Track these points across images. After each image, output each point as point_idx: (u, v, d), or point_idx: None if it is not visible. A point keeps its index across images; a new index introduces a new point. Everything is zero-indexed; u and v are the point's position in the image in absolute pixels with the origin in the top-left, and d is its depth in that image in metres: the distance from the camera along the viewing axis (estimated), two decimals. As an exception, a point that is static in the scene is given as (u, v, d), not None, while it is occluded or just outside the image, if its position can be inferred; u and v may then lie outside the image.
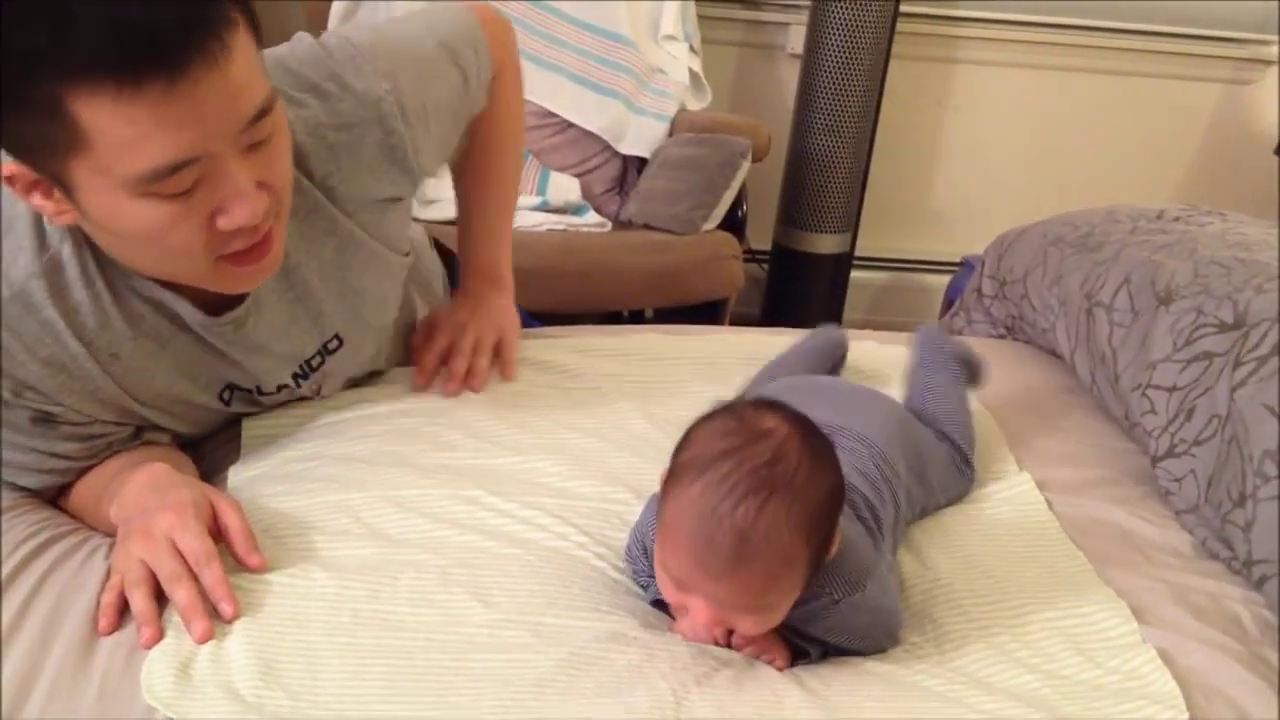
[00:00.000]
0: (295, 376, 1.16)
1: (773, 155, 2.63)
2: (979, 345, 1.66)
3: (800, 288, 2.88)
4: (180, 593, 0.90)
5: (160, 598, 0.91)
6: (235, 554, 0.95)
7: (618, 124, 2.57)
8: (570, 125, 2.58)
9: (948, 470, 1.22)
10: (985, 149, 3.16)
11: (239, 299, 1.04)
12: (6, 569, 0.95)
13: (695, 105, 2.67)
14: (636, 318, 2.48)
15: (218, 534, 0.95)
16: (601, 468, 1.17)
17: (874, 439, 1.11)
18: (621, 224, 2.48)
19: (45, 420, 1.02)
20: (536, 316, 1.49)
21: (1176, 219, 1.65)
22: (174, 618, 0.90)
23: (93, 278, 0.97)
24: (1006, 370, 1.55)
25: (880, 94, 2.73)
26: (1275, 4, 2.96)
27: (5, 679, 0.85)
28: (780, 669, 0.94)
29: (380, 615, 0.93)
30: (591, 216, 2.49)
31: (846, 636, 0.98)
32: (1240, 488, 1.14)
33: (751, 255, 2.77)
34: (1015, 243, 1.73)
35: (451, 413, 1.23)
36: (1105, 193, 2.48)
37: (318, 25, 2.51)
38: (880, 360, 1.48)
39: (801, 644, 0.97)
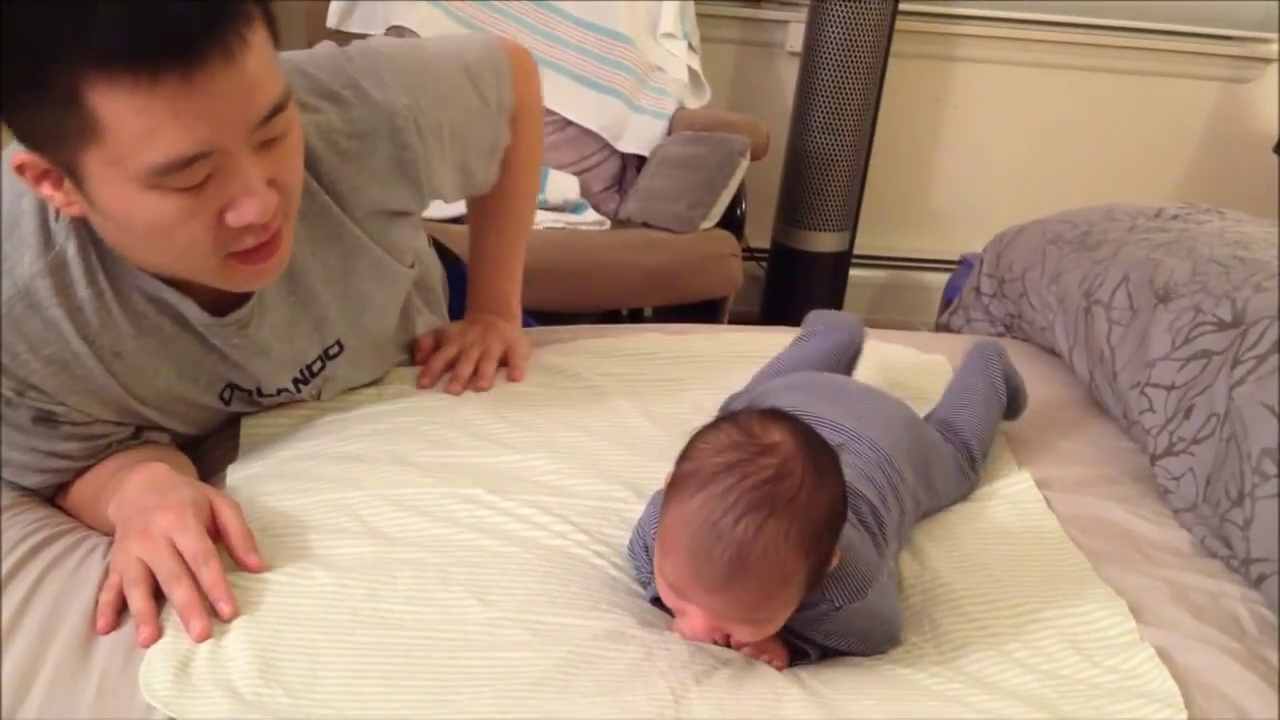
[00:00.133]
0: (295, 381, 1.16)
1: (772, 153, 2.63)
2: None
3: (799, 286, 2.88)
4: (179, 591, 0.90)
5: (159, 597, 0.91)
6: (233, 554, 0.95)
7: (617, 122, 2.57)
8: (569, 123, 2.58)
9: (953, 474, 1.21)
10: (984, 147, 3.16)
11: (243, 300, 1.04)
12: (5, 568, 0.95)
13: (694, 103, 2.67)
14: (635, 316, 2.48)
15: (216, 534, 0.95)
16: (600, 466, 1.17)
17: (881, 443, 1.11)
18: (620, 222, 2.48)
19: (46, 420, 1.02)
20: (535, 315, 1.49)
21: (1175, 217, 1.65)
22: (172, 617, 0.90)
23: (96, 275, 0.97)
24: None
25: (879, 92, 2.73)
26: (1275, 2, 2.96)
27: (4, 678, 0.85)
28: (779, 669, 0.94)
29: (379, 613, 0.93)
30: (590, 215, 2.49)
31: (846, 640, 0.98)
32: (1239, 486, 1.14)
33: (750, 253, 2.77)
34: (1014, 241, 1.73)
35: (450, 411, 1.23)
36: (1104, 191, 2.48)
37: (316, 25, 2.51)
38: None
39: (800, 644, 0.97)
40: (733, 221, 2.45)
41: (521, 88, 1.29)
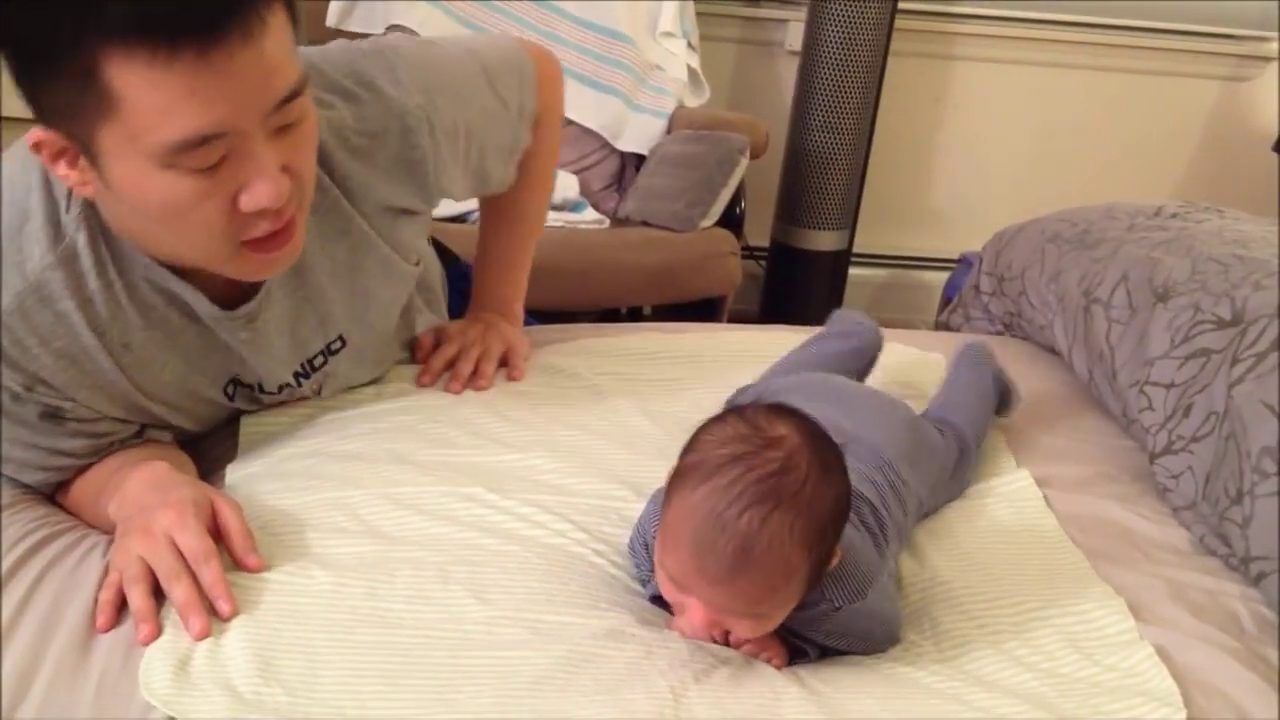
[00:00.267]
0: (297, 375, 1.16)
1: (771, 152, 2.63)
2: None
3: (798, 285, 2.88)
4: (178, 590, 0.90)
5: (159, 595, 0.91)
6: (234, 554, 0.95)
7: (616, 121, 2.57)
8: (569, 122, 2.58)
9: (951, 471, 1.22)
10: (983, 146, 3.16)
11: (251, 294, 1.05)
12: (5, 566, 0.95)
13: (693, 102, 2.67)
14: (634, 315, 2.48)
15: (217, 534, 0.95)
16: (600, 465, 1.17)
17: (883, 446, 1.11)
18: (619, 221, 2.48)
19: (53, 416, 1.01)
20: (534, 314, 1.49)
21: (1174, 216, 1.65)
22: (172, 615, 0.90)
23: (106, 267, 0.98)
24: (1004, 367, 1.55)
25: (878, 91, 2.72)
26: (1274, 1, 2.96)
27: (4, 676, 0.85)
28: (778, 668, 0.94)
29: (378, 612, 0.93)
30: (589, 213, 2.48)
31: (846, 640, 0.98)
32: (1238, 484, 1.14)
33: (749, 252, 2.77)
34: (1013, 239, 1.73)
35: (450, 410, 1.23)
36: (1103, 189, 2.48)
37: (315, 24, 2.50)
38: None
39: (799, 643, 0.97)
40: (732, 220, 2.45)
41: (545, 93, 1.29)
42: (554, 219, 2.39)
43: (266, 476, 1.10)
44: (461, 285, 1.50)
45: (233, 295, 1.04)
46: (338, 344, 1.17)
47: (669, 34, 2.62)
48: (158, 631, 0.88)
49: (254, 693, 0.83)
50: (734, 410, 0.94)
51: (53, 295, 0.96)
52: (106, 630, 0.90)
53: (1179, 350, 1.30)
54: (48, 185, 0.96)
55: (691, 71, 2.65)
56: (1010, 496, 1.24)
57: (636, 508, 1.07)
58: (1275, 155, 2.90)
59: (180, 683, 0.84)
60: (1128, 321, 1.40)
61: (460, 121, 1.15)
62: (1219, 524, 1.17)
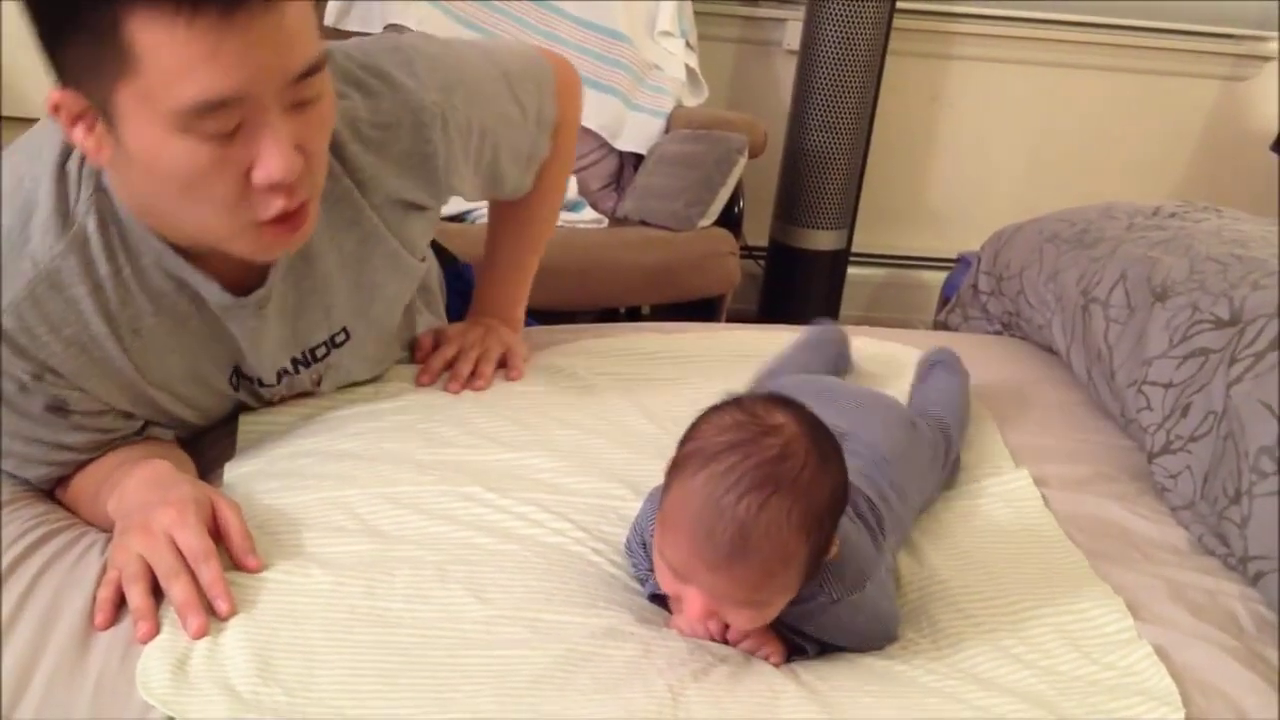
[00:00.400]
0: (295, 362, 1.16)
1: (769, 151, 2.63)
2: (975, 341, 1.67)
3: (797, 284, 2.88)
4: (177, 588, 0.90)
5: (158, 593, 0.91)
6: (233, 555, 0.95)
7: (615, 120, 2.57)
8: (567, 121, 2.58)
9: (942, 464, 1.22)
10: (982, 145, 3.16)
11: (259, 282, 1.05)
12: (4, 564, 0.95)
13: (692, 101, 2.67)
14: (633, 314, 2.48)
15: (216, 534, 0.95)
16: (598, 464, 1.17)
17: (879, 443, 1.11)
18: (618, 220, 2.48)
19: (58, 409, 1.01)
20: (532, 313, 1.49)
21: (1172, 215, 1.65)
22: (170, 614, 0.90)
23: (116, 252, 0.98)
24: (1003, 366, 1.55)
25: (877, 90, 2.72)
26: (1274, 1, 2.96)
27: (4, 674, 0.85)
28: (776, 665, 0.94)
29: (376, 611, 0.92)
30: (588, 213, 2.49)
31: (844, 636, 0.98)
32: (1236, 484, 1.14)
33: (748, 252, 2.77)
34: (1012, 239, 1.73)
35: (448, 409, 1.23)
36: (1102, 189, 2.48)
37: (313, 22, 2.49)
38: (887, 358, 1.49)
39: (798, 641, 0.97)
40: (730, 219, 2.45)
41: (564, 102, 1.30)
42: (552, 218, 2.40)
43: (264, 475, 1.10)
44: (459, 286, 1.50)
45: (242, 283, 1.04)
46: (341, 336, 1.17)
47: (667, 33, 2.62)
48: (156, 629, 0.88)
49: (252, 692, 0.83)
50: (732, 400, 0.94)
51: (63, 282, 0.96)
52: (105, 628, 0.90)
53: (1177, 350, 1.30)
54: (57, 175, 0.96)
55: (690, 71, 2.65)
56: (1008, 496, 1.24)
57: (635, 506, 1.07)
58: (1274, 155, 2.90)
59: (178, 682, 0.84)
60: (1126, 321, 1.40)
61: (475, 121, 1.16)
62: (1217, 523, 1.17)
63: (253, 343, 1.10)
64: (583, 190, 2.56)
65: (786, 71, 2.89)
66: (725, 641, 0.95)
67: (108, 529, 1.00)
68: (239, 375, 1.14)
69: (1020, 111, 3.12)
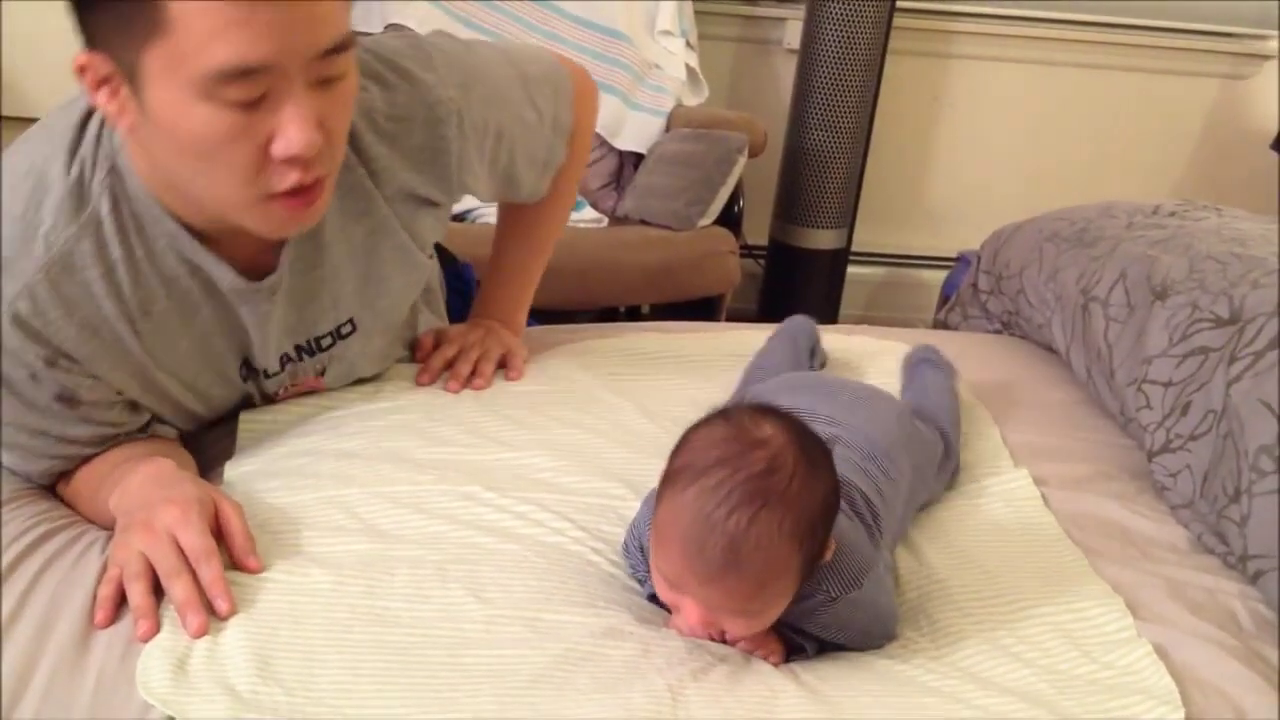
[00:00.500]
0: (299, 349, 1.16)
1: (769, 151, 2.63)
2: (975, 340, 1.67)
3: (797, 283, 2.88)
4: (178, 587, 0.90)
5: (158, 592, 0.91)
6: (234, 556, 0.95)
7: (614, 120, 2.57)
8: (567, 121, 2.58)
9: (939, 461, 1.22)
10: (982, 144, 3.16)
11: (271, 268, 1.05)
12: (4, 562, 0.95)
13: (692, 101, 2.67)
14: (633, 313, 2.48)
15: (218, 534, 0.95)
16: (598, 463, 1.17)
17: (875, 437, 1.11)
18: (618, 220, 2.48)
19: (68, 400, 1.01)
20: (532, 313, 1.49)
21: (1172, 214, 1.65)
22: (170, 613, 0.90)
23: (129, 235, 0.98)
24: (1002, 365, 1.55)
25: (877, 89, 2.72)
26: (1274, 0, 2.96)
27: (4, 673, 0.85)
28: (775, 664, 0.94)
29: (376, 611, 0.93)
30: (588, 212, 2.49)
31: (843, 634, 0.98)
32: (1236, 483, 1.14)
33: (748, 251, 2.77)
34: (1011, 238, 1.73)
35: (448, 409, 1.23)
36: (1102, 188, 2.48)
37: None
38: (874, 353, 1.49)
39: (797, 639, 0.97)
40: (730, 219, 2.45)
41: (580, 110, 1.30)
42: (552, 218, 2.40)
43: (264, 474, 1.10)
44: (458, 285, 1.50)
45: (254, 268, 1.05)
46: (348, 328, 1.18)
47: (667, 32, 2.62)
48: (157, 628, 0.88)
49: (252, 692, 0.83)
50: (720, 413, 0.95)
51: (77, 264, 0.97)
52: (105, 626, 0.90)
53: (1177, 348, 1.30)
54: (69, 158, 0.97)
55: (690, 70, 2.65)
56: (1008, 495, 1.24)
57: (634, 506, 1.07)
58: (1274, 153, 2.90)
59: (178, 681, 0.84)
60: (1126, 320, 1.40)
61: (492, 121, 1.17)
62: (1217, 522, 1.17)
63: (261, 329, 1.10)
64: (583, 189, 2.56)
65: (786, 71, 2.89)
66: (725, 642, 0.95)
67: (107, 526, 1.00)
68: (247, 367, 1.14)
69: (1020, 110, 3.12)
